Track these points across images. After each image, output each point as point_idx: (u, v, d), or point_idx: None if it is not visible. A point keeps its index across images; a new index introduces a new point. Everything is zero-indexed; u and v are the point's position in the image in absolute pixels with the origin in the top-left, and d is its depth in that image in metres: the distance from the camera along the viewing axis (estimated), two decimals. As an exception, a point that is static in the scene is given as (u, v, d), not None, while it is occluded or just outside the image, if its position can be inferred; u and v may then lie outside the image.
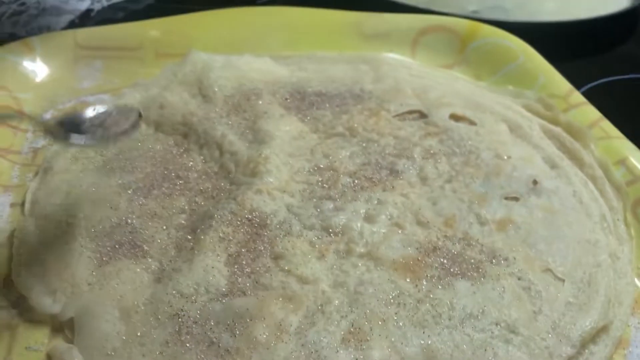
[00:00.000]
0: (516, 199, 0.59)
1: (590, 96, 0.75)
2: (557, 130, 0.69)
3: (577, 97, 0.73)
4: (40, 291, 0.49)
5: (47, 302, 0.48)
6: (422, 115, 0.72)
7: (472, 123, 0.70)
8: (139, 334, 0.46)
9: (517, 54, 0.82)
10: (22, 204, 0.58)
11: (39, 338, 0.47)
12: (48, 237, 0.53)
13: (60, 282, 0.50)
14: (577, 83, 0.78)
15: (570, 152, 0.67)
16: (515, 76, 0.80)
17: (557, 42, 0.88)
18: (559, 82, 0.76)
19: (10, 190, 0.61)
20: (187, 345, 0.45)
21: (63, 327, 0.48)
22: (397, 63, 0.83)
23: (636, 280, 0.54)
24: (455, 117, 0.71)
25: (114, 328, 0.46)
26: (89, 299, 0.48)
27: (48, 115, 0.71)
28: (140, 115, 0.54)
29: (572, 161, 0.66)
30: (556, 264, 0.53)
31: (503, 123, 0.70)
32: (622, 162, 0.64)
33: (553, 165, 0.64)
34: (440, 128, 0.68)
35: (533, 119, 0.71)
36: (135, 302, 0.48)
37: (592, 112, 0.71)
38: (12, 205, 0.59)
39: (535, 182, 0.61)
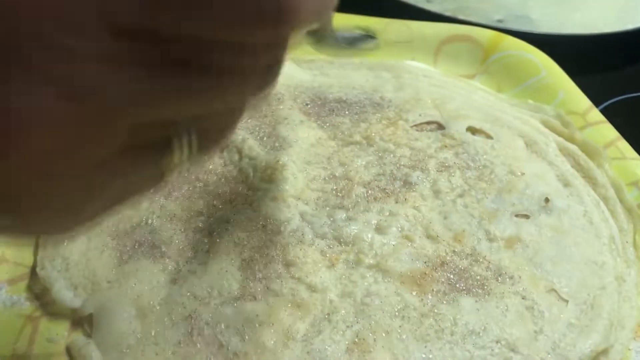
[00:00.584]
0: (527, 216, 0.60)
1: (612, 112, 0.76)
2: (573, 148, 0.70)
3: (596, 114, 0.74)
4: (62, 285, 0.52)
5: (68, 297, 0.51)
6: (440, 126, 0.73)
7: (488, 137, 0.71)
8: (153, 333, 0.48)
9: (539, 68, 0.82)
10: (50, 199, 0.61)
11: (60, 331, 0.50)
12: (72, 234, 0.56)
13: (81, 278, 0.52)
14: (599, 98, 0.79)
15: (584, 170, 0.67)
16: (536, 90, 0.80)
17: (582, 55, 0.88)
18: (579, 99, 0.76)
19: (38, 185, 0.63)
20: (198, 346, 0.47)
21: (82, 321, 0.50)
22: (419, 71, 0.84)
23: (641, 304, 0.55)
24: (472, 130, 0.72)
25: (130, 326, 0.49)
26: (108, 296, 0.51)
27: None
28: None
29: (586, 180, 0.66)
30: (561, 285, 0.54)
31: (519, 138, 0.71)
32: (636, 183, 0.65)
33: (566, 184, 0.65)
34: (456, 141, 0.69)
35: (550, 135, 0.72)
36: (151, 302, 0.50)
37: (609, 131, 0.71)
38: (40, 199, 0.62)
39: (547, 200, 0.62)
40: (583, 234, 0.59)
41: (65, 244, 0.55)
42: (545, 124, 0.74)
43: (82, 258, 0.54)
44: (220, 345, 0.47)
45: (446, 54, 0.87)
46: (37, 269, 0.53)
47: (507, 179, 0.64)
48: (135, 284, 0.51)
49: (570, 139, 0.71)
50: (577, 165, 0.68)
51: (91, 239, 0.55)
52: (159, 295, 0.51)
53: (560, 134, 0.72)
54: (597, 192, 0.65)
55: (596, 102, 0.76)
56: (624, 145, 0.69)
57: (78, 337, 0.49)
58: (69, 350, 0.48)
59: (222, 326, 0.48)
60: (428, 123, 0.73)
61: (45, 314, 0.51)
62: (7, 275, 0.53)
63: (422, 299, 0.51)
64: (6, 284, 0.53)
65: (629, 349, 0.52)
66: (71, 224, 0.27)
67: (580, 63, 0.83)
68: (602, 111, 0.75)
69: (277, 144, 0.66)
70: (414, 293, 0.51)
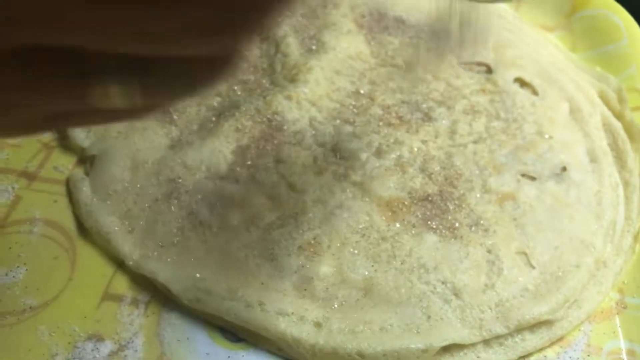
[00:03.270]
0: (533, 178, 0.59)
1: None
2: (617, 125, 0.66)
3: (660, 98, 0.69)
4: (79, 125, 0.57)
5: (81, 136, 0.57)
6: (489, 70, 0.70)
7: (534, 92, 0.68)
8: (138, 185, 0.53)
9: (622, 34, 0.76)
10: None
11: (66, 163, 0.56)
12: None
13: (97, 123, 0.58)
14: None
15: (618, 151, 0.64)
16: (610, 58, 0.75)
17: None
18: (649, 77, 0.71)
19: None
20: (172, 208, 0.52)
21: (87, 160, 0.56)
22: (495, 11, 0.80)
23: (613, 293, 0.54)
24: (521, 82, 0.69)
25: (122, 174, 0.54)
26: (113, 144, 0.56)
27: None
28: None
29: (615, 160, 0.63)
30: (535, 251, 0.53)
31: (566, 102, 0.67)
32: (665, 178, 0.61)
33: (593, 159, 0.62)
34: (498, 88, 0.67)
35: (598, 107, 0.68)
36: (147, 159, 0.55)
37: (665, 118, 0.67)
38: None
39: (564, 169, 0.60)
40: (584, 211, 0.57)
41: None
42: (601, 94, 0.70)
43: (103, 106, 0.59)
44: (191, 212, 0.52)
45: (532, 0, 0.83)
46: (64, 106, 0.59)
47: (530, 137, 0.62)
48: (138, 140, 0.56)
49: (619, 116, 0.67)
50: (614, 144, 0.65)
51: (118, 92, 0.60)
52: (155, 155, 0.55)
53: (611, 109, 0.68)
54: (621, 176, 0.62)
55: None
56: (673, 136, 0.65)
57: (78, 172, 0.55)
58: (67, 181, 0.55)
59: (199, 197, 0.53)
60: (478, 64, 0.71)
61: (59, 145, 0.57)
62: (41, 105, 0.60)
63: (389, 225, 0.53)
64: (37, 112, 0.59)
65: (579, 329, 0.52)
66: None
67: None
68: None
69: (314, 47, 0.67)
70: (384, 218, 0.53)
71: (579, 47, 0.78)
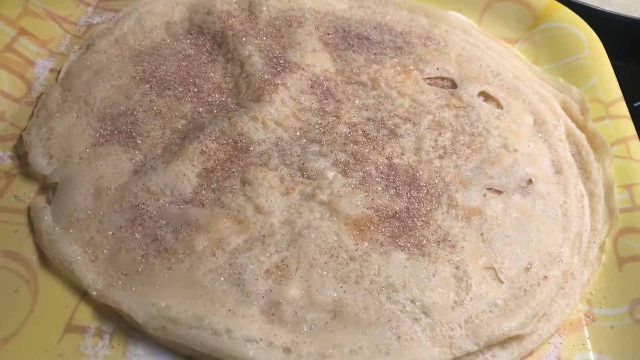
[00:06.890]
0: (499, 192, 0.59)
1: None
2: (580, 136, 0.67)
3: (620, 108, 0.70)
4: (39, 152, 0.56)
5: (42, 163, 0.56)
6: (454, 84, 0.71)
7: (499, 106, 0.69)
8: (101, 213, 0.52)
9: (583, 46, 0.77)
10: (60, 72, 0.65)
11: (27, 191, 0.55)
12: (65, 108, 0.60)
13: (58, 149, 0.57)
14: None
15: (582, 162, 0.65)
16: (572, 69, 0.76)
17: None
18: (610, 88, 0.72)
19: (55, 57, 0.68)
20: (136, 235, 0.51)
21: (48, 188, 0.55)
22: (459, 25, 0.81)
23: (582, 305, 0.55)
24: (485, 96, 0.70)
25: (85, 201, 0.53)
26: (75, 171, 0.55)
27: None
28: None
29: (580, 171, 0.64)
30: (503, 266, 0.54)
31: (530, 115, 0.68)
32: (629, 187, 0.62)
33: (558, 170, 0.63)
34: (462, 102, 0.68)
35: (562, 118, 0.69)
36: (109, 185, 0.54)
37: (626, 128, 0.67)
38: (51, 70, 0.66)
39: (529, 182, 0.61)
40: (551, 223, 0.58)
41: (57, 115, 0.60)
42: (564, 105, 0.71)
43: (65, 132, 0.58)
44: (155, 238, 0.51)
45: (494, 13, 0.84)
46: (24, 133, 0.58)
47: (496, 151, 0.63)
48: (101, 166, 0.55)
49: (582, 127, 0.68)
50: (578, 155, 0.66)
51: (80, 116, 0.60)
52: (118, 181, 0.54)
53: (574, 119, 0.69)
54: (586, 187, 0.63)
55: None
56: (635, 146, 0.65)
57: (40, 201, 0.54)
58: (28, 210, 0.53)
59: (163, 222, 0.52)
60: (442, 79, 0.71)
61: (20, 174, 0.56)
62: (0, 132, 0.59)
63: (357, 244, 0.52)
64: (-3, 139, 0.58)
65: (549, 342, 0.52)
66: None
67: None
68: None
69: (279, 68, 0.66)
70: (352, 237, 0.53)
71: (542, 59, 0.79)
